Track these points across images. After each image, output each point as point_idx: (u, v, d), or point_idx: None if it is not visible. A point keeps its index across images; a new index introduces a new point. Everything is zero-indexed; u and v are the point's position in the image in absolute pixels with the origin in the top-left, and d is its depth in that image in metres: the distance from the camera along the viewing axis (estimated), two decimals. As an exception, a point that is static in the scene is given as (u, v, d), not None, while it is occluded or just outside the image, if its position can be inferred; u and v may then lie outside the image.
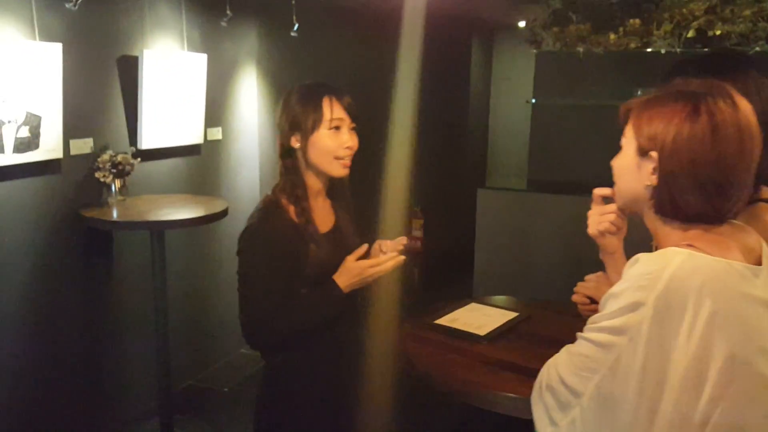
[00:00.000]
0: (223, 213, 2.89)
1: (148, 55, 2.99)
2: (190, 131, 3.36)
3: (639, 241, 1.32)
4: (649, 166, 1.11)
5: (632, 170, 1.15)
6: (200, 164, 3.58)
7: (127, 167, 2.90)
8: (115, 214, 2.78)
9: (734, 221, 1.18)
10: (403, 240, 1.70)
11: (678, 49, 3.79)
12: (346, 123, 1.65)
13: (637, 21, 3.87)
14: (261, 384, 1.73)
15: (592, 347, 1.09)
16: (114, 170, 2.86)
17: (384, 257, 1.63)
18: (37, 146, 2.54)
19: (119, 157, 2.87)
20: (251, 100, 3.95)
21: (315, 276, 1.63)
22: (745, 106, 1.09)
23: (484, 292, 3.84)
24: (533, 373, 1.23)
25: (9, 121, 2.41)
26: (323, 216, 1.72)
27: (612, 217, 1.30)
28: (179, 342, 3.35)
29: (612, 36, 3.93)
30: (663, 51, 3.84)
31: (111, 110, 2.98)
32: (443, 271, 5.18)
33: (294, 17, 3.89)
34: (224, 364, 3.77)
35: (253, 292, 1.59)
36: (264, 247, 1.60)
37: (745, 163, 1.08)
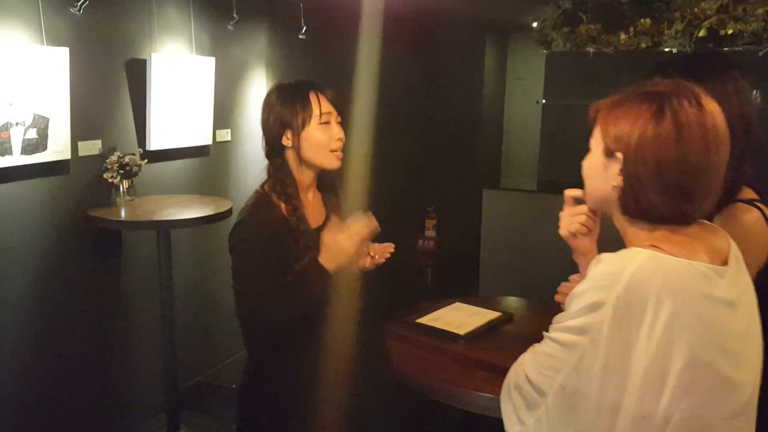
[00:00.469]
0: (228, 212, 2.93)
1: (156, 59, 3.05)
2: (198, 133, 3.42)
3: (616, 243, 1.32)
4: (616, 167, 1.12)
5: (600, 171, 1.15)
6: (209, 165, 3.64)
7: (135, 168, 2.97)
8: (122, 214, 2.84)
9: (705, 222, 1.17)
10: (390, 247, 1.74)
11: (689, 49, 3.73)
12: (334, 116, 1.69)
13: (648, 20, 3.82)
14: (243, 375, 1.76)
15: (557, 347, 1.10)
16: (122, 171, 2.93)
17: (355, 224, 1.61)
18: (45, 148, 2.61)
19: (127, 158, 2.93)
20: (260, 102, 3.98)
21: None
22: (712, 107, 1.08)
23: (491, 292, 3.83)
24: (508, 373, 1.23)
25: (17, 123, 2.48)
26: (314, 210, 1.75)
27: (583, 218, 1.30)
28: (187, 340, 3.41)
29: (623, 36, 3.89)
30: (674, 51, 3.79)
31: (119, 112, 3.04)
32: (456, 270, 5.19)
33: (302, 20, 3.94)
34: (232, 362, 3.81)
35: (247, 284, 1.60)
36: (256, 241, 1.61)
37: (710, 164, 1.07)
